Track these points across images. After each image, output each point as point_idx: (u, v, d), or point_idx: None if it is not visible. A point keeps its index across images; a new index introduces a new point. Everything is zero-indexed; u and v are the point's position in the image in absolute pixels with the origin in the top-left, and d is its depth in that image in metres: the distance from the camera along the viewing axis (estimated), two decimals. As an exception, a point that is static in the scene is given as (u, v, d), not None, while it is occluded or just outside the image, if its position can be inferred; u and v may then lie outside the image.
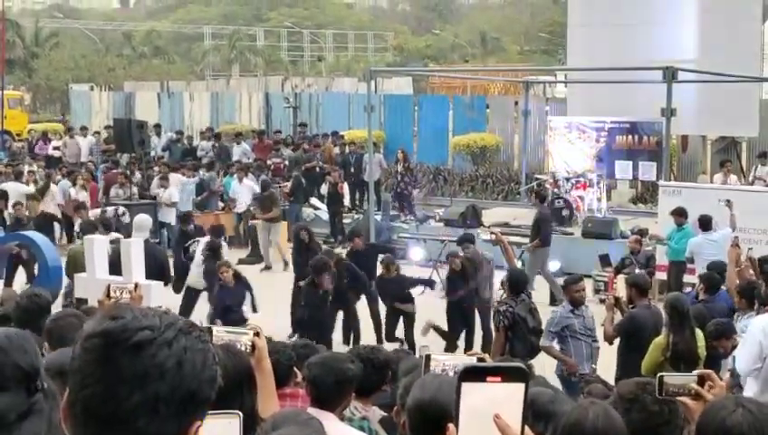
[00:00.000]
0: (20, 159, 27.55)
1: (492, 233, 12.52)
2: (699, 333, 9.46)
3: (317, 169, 24.93)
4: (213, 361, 1.78)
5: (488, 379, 1.81)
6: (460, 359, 3.63)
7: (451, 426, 1.82)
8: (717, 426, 2.93)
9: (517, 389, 1.83)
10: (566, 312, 10.43)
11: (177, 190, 22.00)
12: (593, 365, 10.47)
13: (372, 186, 22.04)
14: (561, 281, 17.77)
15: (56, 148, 31.47)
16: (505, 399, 1.82)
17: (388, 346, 11.26)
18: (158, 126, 30.92)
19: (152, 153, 27.45)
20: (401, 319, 14.10)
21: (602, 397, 5.04)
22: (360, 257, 14.74)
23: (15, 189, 21.41)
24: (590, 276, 17.98)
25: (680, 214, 15.30)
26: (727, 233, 14.05)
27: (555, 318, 10.42)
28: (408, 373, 4.93)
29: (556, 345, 10.38)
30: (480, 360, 3.59)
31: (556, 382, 9.05)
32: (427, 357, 3.64)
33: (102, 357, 1.70)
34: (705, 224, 14.70)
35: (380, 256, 14.88)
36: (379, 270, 14.48)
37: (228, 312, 12.68)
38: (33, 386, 3.05)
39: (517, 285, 10.91)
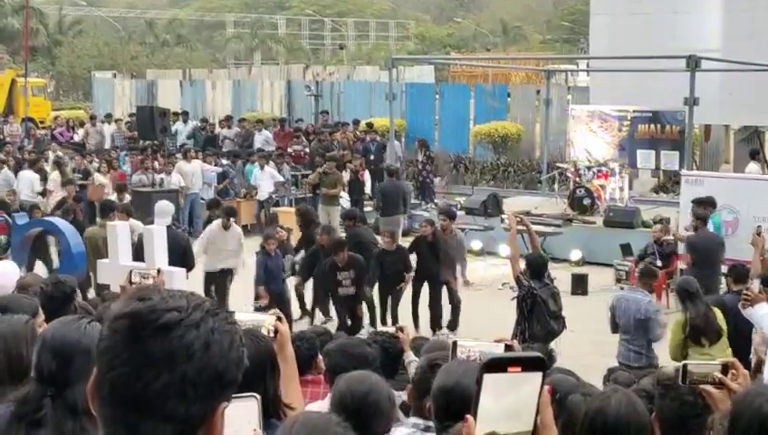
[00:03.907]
0: (45, 147, 27.65)
1: (517, 217, 12.47)
2: (716, 310, 9.67)
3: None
4: (240, 342, 1.78)
5: (509, 369, 1.82)
6: (487, 346, 3.62)
7: (470, 417, 1.82)
8: (753, 413, 2.87)
9: (535, 377, 1.84)
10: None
11: (199, 176, 22.23)
12: None
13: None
14: (580, 270, 17.88)
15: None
16: (524, 387, 1.83)
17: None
18: (185, 113, 31.03)
19: (173, 142, 27.53)
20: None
21: (627, 384, 5.04)
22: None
23: (28, 178, 21.48)
24: (611, 265, 17.98)
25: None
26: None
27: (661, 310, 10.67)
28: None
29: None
30: (508, 346, 3.59)
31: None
32: (454, 343, 3.64)
33: (130, 338, 1.71)
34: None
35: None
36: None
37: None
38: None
39: (535, 268, 11.01)
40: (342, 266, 13.45)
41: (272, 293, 13.63)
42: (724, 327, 9.58)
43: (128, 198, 18.52)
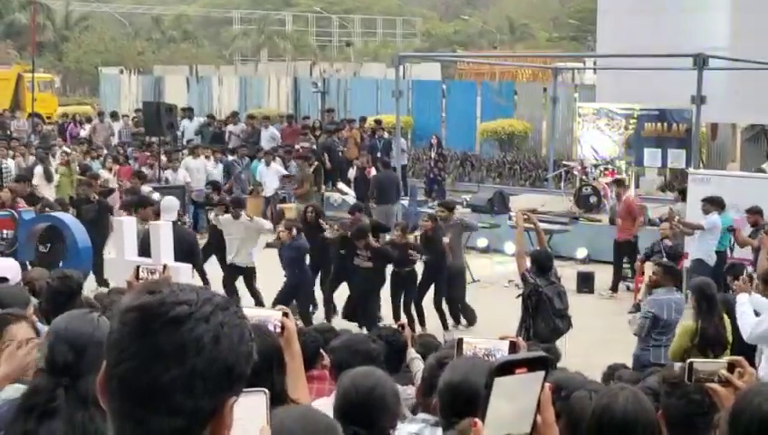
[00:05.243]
0: (51, 142, 27.67)
1: (525, 214, 12.46)
2: (726, 319, 9.43)
3: (340, 153, 25.10)
4: (249, 337, 1.78)
5: (516, 371, 1.83)
6: (492, 343, 3.62)
7: (478, 422, 1.83)
8: (753, 412, 2.87)
9: (539, 376, 1.86)
10: None
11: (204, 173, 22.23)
12: None
13: (400, 171, 22.03)
14: (586, 268, 17.86)
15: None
16: (528, 387, 1.85)
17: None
18: (190, 109, 30.99)
19: (181, 138, 27.54)
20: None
21: (633, 382, 5.04)
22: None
23: (41, 173, 21.48)
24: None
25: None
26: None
27: None
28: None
29: None
30: (512, 343, 3.59)
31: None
32: (459, 341, 3.64)
33: (140, 331, 1.70)
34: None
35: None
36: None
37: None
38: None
39: (540, 264, 11.01)
40: (363, 247, 13.73)
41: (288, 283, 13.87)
42: (730, 339, 9.40)
43: (145, 189, 18.50)
